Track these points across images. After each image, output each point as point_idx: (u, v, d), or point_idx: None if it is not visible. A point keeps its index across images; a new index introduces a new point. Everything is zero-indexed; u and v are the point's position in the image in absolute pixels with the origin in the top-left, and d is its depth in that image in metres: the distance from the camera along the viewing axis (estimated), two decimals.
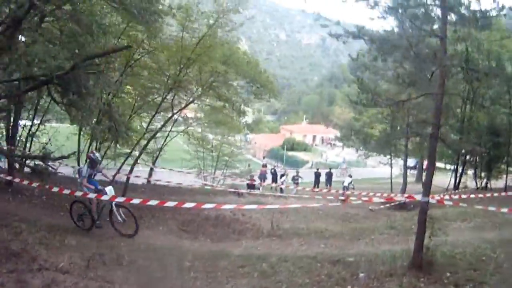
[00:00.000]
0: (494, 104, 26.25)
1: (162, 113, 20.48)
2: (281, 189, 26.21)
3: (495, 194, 15.52)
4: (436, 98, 8.57)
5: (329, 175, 31.23)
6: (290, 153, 63.89)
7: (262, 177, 31.14)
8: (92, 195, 10.27)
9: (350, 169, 45.96)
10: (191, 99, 19.93)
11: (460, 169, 27.83)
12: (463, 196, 14.34)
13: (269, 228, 12.75)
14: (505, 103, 25.15)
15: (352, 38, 8.97)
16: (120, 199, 10.50)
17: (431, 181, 9.03)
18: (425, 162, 39.40)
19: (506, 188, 24.08)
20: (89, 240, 9.76)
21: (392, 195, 19.40)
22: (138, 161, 19.38)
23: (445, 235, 10.41)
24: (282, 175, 30.61)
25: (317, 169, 33.21)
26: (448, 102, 24.76)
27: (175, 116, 19.91)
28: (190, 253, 9.56)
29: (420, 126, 11.28)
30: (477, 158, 27.64)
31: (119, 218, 10.51)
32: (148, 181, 22.05)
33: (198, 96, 19.79)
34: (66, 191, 10.32)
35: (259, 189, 26.55)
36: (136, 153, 19.05)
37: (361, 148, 34.01)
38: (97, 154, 11.44)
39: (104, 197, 10.18)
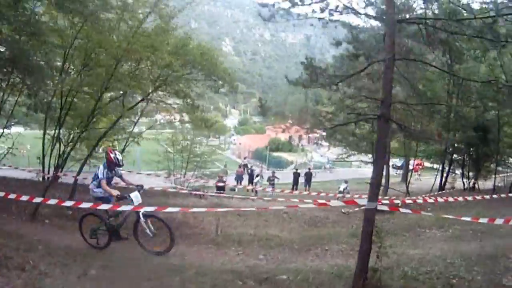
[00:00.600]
0: (481, 98, 24.58)
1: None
2: (256, 191, 24.61)
3: (478, 198, 13.64)
4: (385, 64, 6.73)
5: (308, 176, 29.93)
6: (275, 153, 63.44)
7: (239, 178, 30.02)
8: (103, 205, 8.27)
9: (335, 169, 44.75)
10: (142, 97, 18.86)
11: (446, 169, 26.27)
12: (440, 199, 12.70)
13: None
14: (493, 95, 23.45)
15: None
16: (149, 208, 8.28)
17: (380, 180, 7.28)
18: (414, 161, 39.04)
19: (494, 189, 22.72)
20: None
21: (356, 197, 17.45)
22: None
23: (414, 247, 8.63)
24: (256, 176, 29.09)
25: (296, 170, 32.06)
26: (432, 97, 24.29)
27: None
28: (114, 257, 8.19)
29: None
30: (465, 156, 26.17)
31: (148, 231, 8.43)
32: None
33: (150, 92, 18.36)
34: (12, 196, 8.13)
35: (234, 190, 25.20)
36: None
37: (344, 146, 32.32)
38: (117, 154, 9.14)
39: (126, 207, 8.33)
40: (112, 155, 8.86)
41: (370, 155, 28.86)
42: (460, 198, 13.62)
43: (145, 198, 14.77)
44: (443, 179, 25.71)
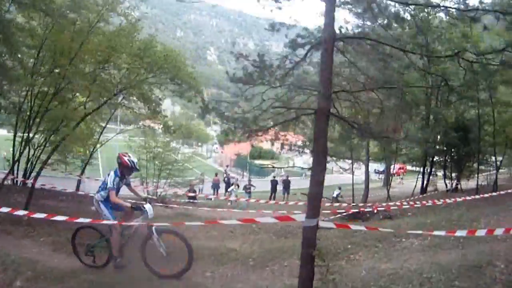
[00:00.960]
0: (461, 98, 24.13)
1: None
2: (230, 201, 23.52)
3: (459, 199, 12.67)
4: (323, 47, 5.76)
5: (286, 183, 28.94)
6: (257, 161, 62.08)
7: (215, 186, 29.14)
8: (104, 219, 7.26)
9: None
10: (104, 100, 17.73)
11: (427, 171, 25.80)
12: (417, 204, 11.69)
13: None
14: (473, 95, 22.78)
15: None
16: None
17: (320, 191, 6.03)
18: (396, 165, 38.33)
19: (477, 189, 21.96)
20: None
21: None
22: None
23: (387, 260, 7.55)
24: (231, 185, 28.11)
25: (274, 177, 31.08)
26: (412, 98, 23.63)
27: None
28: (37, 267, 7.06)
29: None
30: (446, 157, 25.59)
31: (162, 250, 7.09)
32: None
33: (113, 96, 17.63)
34: None
35: (211, 199, 24.24)
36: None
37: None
38: (131, 156, 7.79)
39: (137, 220, 7.20)
40: (125, 158, 7.53)
41: (349, 161, 27.88)
42: (440, 201, 12.60)
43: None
44: (425, 182, 25.09)
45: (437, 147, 25.47)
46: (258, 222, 7.25)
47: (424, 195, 22.95)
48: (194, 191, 23.17)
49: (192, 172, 29.85)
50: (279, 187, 29.34)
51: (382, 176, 40.82)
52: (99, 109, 18.23)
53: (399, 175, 43.94)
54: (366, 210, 15.47)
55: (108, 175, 7.40)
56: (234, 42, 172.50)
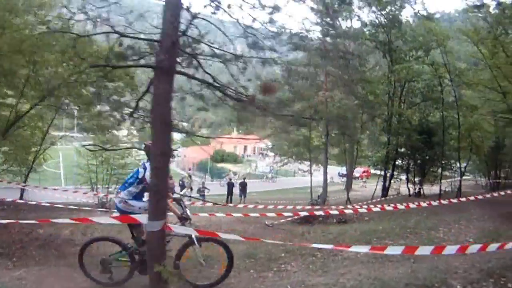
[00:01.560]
0: (426, 100, 23.90)
1: None
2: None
3: (412, 205, 11.52)
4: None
5: (242, 186, 27.77)
6: (220, 165, 61.53)
7: (170, 190, 27.28)
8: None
9: (278, 179, 43.35)
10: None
11: (389, 175, 24.78)
12: (362, 209, 10.48)
13: None
14: (438, 97, 22.05)
15: None
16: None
17: (165, 187, 5.04)
18: (360, 169, 37.57)
19: (440, 195, 21.53)
20: None
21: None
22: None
23: (321, 272, 6.29)
24: (182, 188, 26.80)
25: (230, 179, 29.77)
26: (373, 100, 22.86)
27: None
28: None
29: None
30: (409, 161, 25.09)
31: (201, 260, 5.98)
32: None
33: (43, 98, 16.48)
34: None
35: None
36: None
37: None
38: None
39: (181, 229, 5.84)
40: None
41: (307, 163, 26.76)
42: (402, 205, 11.38)
43: (48, 212, 13.34)
44: (386, 186, 24.21)
45: (401, 150, 24.76)
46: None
47: (385, 198, 22.10)
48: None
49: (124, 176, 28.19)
50: (236, 190, 28.00)
51: (345, 179, 40.18)
52: (29, 111, 17.07)
53: (363, 179, 43.53)
54: (317, 214, 14.15)
55: (144, 169, 6.05)
56: None
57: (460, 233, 10.05)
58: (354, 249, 4.77)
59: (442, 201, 12.80)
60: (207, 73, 5.84)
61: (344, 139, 25.56)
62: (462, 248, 4.70)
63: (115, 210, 6.30)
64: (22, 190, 19.94)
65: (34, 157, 20.23)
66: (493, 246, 4.63)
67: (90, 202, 18.96)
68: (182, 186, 28.55)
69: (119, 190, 6.19)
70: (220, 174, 50.16)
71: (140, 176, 6.00)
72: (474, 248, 4.61)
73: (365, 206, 14.21)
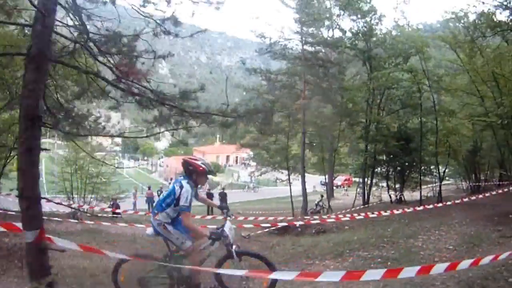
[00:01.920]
0: (405, 107, 23.83)
1: None
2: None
3: (392, 212, 11.27)
4: None
5: (222, 196, 27.30)
6: None
7: (149, 201, 27.20)
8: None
9: (259, 189, 43.18)
10: None
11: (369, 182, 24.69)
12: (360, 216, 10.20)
13: None
14: (416, 103, 21.98)
15: None
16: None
17: (35, 193, 4.57)
18: (342, 177, 37.48)
19: (421, 201, 21.34)
20: None
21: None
22: None
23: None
24: (149, 199, 26.62)
25: (209, 189, 29.20)
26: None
27: None
28: None
29: None
30: (388, 168, 25.09)
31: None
32: None
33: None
34: None
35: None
36: None
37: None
38: (203, 159, 5.99)
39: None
40: (199, 163, 5.73)
41: (286, 172, 26.45)
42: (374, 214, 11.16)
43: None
44: (366, 194, 24.06)
45: (381, 157, 24.85)
46: None
47: (365, 206, 21.93)
48: (118, 206, 20.90)
49: (119, 185, 27.43)
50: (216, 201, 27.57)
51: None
52: None
53: (344, 187, 43.42)
54: (296, 223, 13.83)
55: (180, 187, 5.48)
56: None
57: (440, 240, 9.80)
58: (321, 278, 4.14)
59: (418, 208, 12.66)
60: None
61: (323, 147, 25.47)
62: (452, 266, 4.16)
63: (149, 233, 5.83)
64: None
65: (4, 163, 19.46)
66: (487, 259, 4.20)
67: (61, 212, 18.42)
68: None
69: (156, 211, 5.65)
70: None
71: (177, 196, 5.45)
72: (465, 263, 4.13)
73: (348, 215, 14.04)
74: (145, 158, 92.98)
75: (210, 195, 27.45)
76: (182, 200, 5.35)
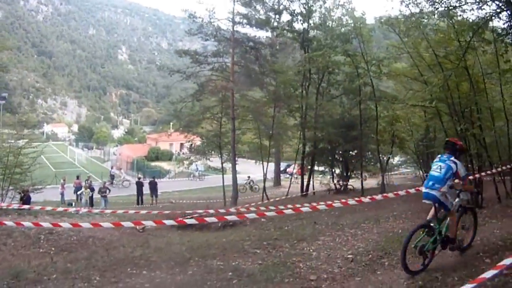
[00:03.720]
0: (345, 92, 22.76)
1: None
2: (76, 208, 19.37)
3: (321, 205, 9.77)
4: None
5: (152, 185, 25.74)
6: (154, 163, 59.45)
7: (77, 190, 25.26)
8: None
9: (206, 177, 42.05)
10: None
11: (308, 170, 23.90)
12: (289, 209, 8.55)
13: None
14: (356, 90, 21.11)
15: None
16: None
17: None
18: (297, 166, 36.78)
19: (363, 191, 20.32)
20: None
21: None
22: None
23: None
24: (78, 189, 24.61)
25: (139, 178, 27.88)
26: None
27: None
28: None
29: None
30: (330, 157, 24.01)
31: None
32: None
33: None
34: None
35: (71, 205, 23.37)
36: None
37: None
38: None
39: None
40: (461, 142, 6.94)
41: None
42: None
43: None
44: (306, 182, 23.14)
45: (324, 145, 23.66)
46: None
47: (304, 195, 21.59)
48: (28, 199, 18.82)
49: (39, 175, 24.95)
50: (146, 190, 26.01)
51: (287, 175, 38.67)
52: None
53: (300, 175, 42.31)
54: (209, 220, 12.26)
55: (454, 163, 6.39)
56: None
57: (345, 243, 8.24)
58: None
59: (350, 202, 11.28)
60: None
61: (259, 133, 24.02)
62: None
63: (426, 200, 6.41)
64: None
65: None
66: None
67: None
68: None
69: (439, 186, 6.27)
70: (156, 172, 47.58)
71: (454, 171, 6.29)
72: None
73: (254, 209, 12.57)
74: (99, 146, 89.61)
75: (139, 185, 25.83)
76: (462, 171, 6.35)
